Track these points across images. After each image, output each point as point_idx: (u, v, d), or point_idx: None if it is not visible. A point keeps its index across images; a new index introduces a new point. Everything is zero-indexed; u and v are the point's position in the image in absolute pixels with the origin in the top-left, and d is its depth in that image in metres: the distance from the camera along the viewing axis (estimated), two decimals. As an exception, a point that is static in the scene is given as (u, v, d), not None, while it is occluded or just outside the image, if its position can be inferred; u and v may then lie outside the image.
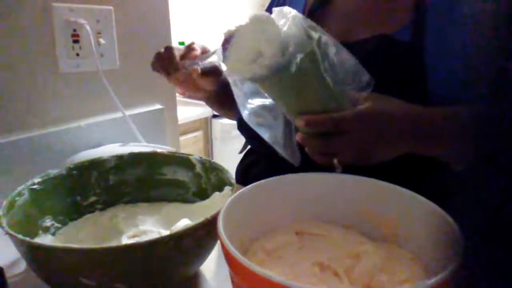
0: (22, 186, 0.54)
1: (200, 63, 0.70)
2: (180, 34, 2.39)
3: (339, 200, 0.49)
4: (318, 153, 0.52)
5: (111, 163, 0.65)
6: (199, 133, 2.11)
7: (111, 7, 0.91)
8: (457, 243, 0.35)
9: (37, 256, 0.43)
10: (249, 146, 0.85)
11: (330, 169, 0.51)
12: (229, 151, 2.09)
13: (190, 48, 0.72)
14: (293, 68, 0.46)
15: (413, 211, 0.44)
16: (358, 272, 0.40)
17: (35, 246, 0.42)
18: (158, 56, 0.73)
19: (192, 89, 0.79)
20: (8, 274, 0.49)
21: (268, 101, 0.56)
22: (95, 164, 0.64)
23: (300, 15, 0.48)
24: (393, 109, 0.53)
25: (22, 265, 0.55)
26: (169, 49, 0.71)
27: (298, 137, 0.53)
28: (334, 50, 0.48)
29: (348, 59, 0.49)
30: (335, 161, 0.51)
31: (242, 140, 0.83)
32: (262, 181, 0.48)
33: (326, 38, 0.48)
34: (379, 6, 0.67)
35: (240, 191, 0.45)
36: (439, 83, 0.60)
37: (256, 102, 0.56)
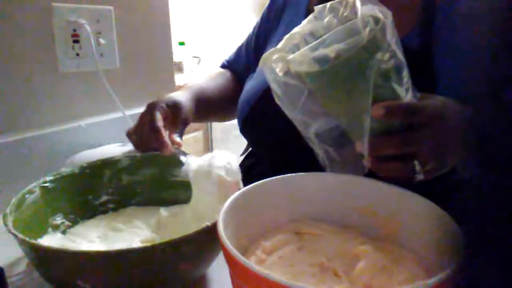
0: (34, 184, 0.54)
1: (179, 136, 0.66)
2: (180, 34, 2.39)
3: (339, 200, 0.49)
4: (386, 158, 0.44)
5: (124, 163, 0.65)
6: (199, 133, 2.11)
7: (111, 7, 0.91)
8: (457, 243, 0.35)
9: (37, 256, 0.43)
10: (250, 149, 0.85)
11: (406, 179, 0.44)
12: (229, 151, 2.09)
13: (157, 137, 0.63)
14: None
15: (413, 211, 0.44)
16: (358, 272, 0.40)
17: (35, 246, 0.42)
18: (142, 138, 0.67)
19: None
20: (8, 274, 0.49)
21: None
22: (108, 163, 0.64)
23: None
24: (454, 106, 0.48)
25: (22, 265, 0.55)
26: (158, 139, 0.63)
27: (359, 145, 0.44)
28: (398, 40, 0.43)
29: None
30: (417, 164, 0.43)
31: (242, 140, 0.83)
32: (262, 181, 0.47)
33: (391, 23, 0.42)
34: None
35: (240, 191, 0.45)
36: (449, 91, 0.58)
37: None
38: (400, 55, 0.43)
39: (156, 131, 0.63)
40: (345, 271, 0.40)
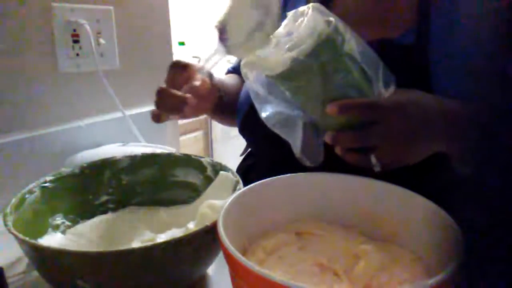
0: (34, 184, 0.54)
1: (207, 69, 0.61)
2: (180, 34, 2.39)
3: (339, 200, 0.49)
4: (351, 149, 0.47)
5: (124, 163, 0.65)
6: (199, 133, 2.11)
7: (111, 7, 0.91)
8: (457, 243, 0.35)
9: (36, 256, 0.43)
10: (250, 149, 0.85)
11: (365, 169, 0.47)
12: (229, 151, 2.09)
13: (185, 68, 0.64)
14: (317, 55, 0.43)
15: (413, 211, 0.44)
16: (358, 272, 0.40)
17: (35, 246, 0.42)
18: (163, 93, 0.62)
19: (195, 111, 0.68)
20: (8, 274, 0.49)
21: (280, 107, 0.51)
22: (108, 163, 0.64)
23: (318, 4, 0.46)
24: (427, 101, 0.50)
25: (22, 265, 0.55)
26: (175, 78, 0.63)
27: (327, 137, 0.47)
28: (353, 39, 0.45)
29: (368, 51, 0.47)
30: (373, 158, 0.46)
31: (242, 140, 0.83)
32: (262, 181, 0.48)
33: (343, 25, 0.45)
34: (381, 8, 0.66)
35: (240, 191, 0.45)
36: (444, 90, 0.58)
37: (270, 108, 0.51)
38: (357, 54, 0.45)
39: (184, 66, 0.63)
40: (345, 271, 0.40)
